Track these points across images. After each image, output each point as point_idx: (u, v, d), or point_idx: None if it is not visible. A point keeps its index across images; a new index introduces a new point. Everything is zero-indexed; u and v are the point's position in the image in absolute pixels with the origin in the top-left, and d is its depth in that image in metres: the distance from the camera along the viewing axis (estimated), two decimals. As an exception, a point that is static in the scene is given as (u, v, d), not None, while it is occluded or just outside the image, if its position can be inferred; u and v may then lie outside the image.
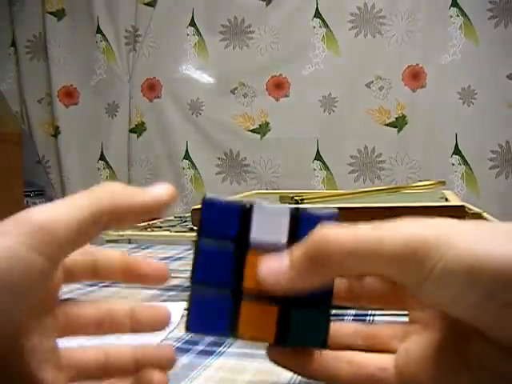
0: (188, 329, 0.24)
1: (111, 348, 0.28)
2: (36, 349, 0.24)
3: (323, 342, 0.25)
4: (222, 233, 0.24)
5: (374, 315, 0.38)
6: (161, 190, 0.26)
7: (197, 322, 0.24)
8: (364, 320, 0.38)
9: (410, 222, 0.22)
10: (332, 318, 0.25)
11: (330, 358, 0.26)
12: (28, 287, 0.22)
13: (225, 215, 0.24)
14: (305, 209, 0.24)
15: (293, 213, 0.24)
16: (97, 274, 0.29)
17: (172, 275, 0.59)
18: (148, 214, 0.25)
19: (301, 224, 0.24)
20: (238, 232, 0.24)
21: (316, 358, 0.26)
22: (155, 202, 0.25)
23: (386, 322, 0.28)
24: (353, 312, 0.42)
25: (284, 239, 0.24)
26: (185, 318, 0.25)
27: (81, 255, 0.28)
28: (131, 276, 0.29)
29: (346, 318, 0.41)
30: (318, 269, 0.22)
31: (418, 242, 0.21)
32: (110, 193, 0.25)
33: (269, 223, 0.24)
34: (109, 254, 0.29)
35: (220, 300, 0.24)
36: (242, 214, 0.24)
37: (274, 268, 0.23)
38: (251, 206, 0.24)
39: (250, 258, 0.24)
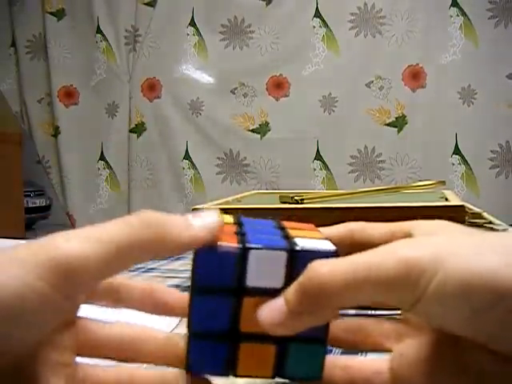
0: (188, 369, 0.25)
1: (136, 370, 0.26)
2: (47, 361, 0.24)
3: (319, 373, 0.25)
4: (218, 283, 0.24)
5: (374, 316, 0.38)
6: (202, 223, 0.23)
7: (197, 364, 0.25)
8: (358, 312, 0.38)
9: (404, 244, 0.22)
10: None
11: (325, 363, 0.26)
12: (43, 322, 0.21)
13: (219, 265, 0.23)
14: (302, 248, 0.24)
15: (289, 254, 0.24)
16: (119, 299, 0.27)
17: (172, 275, 0.59)
18: (182, 251, 0.23)
19: (298, 264, 0.24)
20: (233, 280, 0.24)
21: None
22: (192, 240, 0.23)
23: (374, 318, 0.28)
24: (353, 312, 0.41)
25: (280, 283, 0.24)
26: (185, 319, 0.25)
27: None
28: (153, 305, 0.27)
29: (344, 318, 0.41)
30: (314, 305, 0.22)
31: (412, 265, 0.21)
32: (145, 226, 0.22)
33: (265, 268, 0.24)
34: (133, 282, 0.28)
35: (218, 348, 0.25)
36: (237, 262, 0.24)
37: (272, 315, 0.23)
38: (246, 252, 0.24)
39: (247, 302, 0.24)
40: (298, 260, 0.23)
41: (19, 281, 0.20)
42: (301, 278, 0.22)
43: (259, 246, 0.23)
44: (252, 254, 0.23)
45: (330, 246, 0.24)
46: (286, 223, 0.27)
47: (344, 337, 0.28)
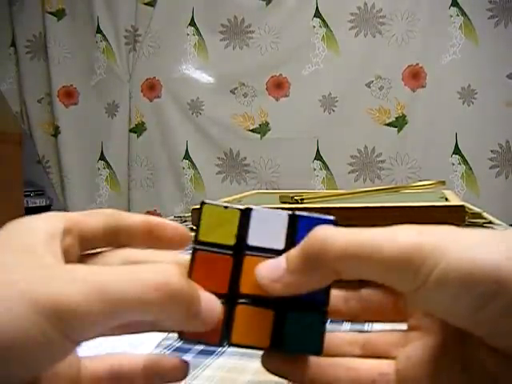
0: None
1: (123, 357, 0.26)
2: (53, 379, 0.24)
3: (318, 347, 0.24)
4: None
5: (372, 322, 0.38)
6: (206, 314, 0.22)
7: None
8: (363, 327, 0.38)
9: (408, 230, 0.22)
10: (329, 326, 0.25)
11: (328, 365, 0.26)
12: (46, 358, 0.20)
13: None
14: (303, 214, 0.24)
15: (291, 217, 0.24)
16: (118, 239, 0.26)
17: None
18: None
19: (298, 229, 0.24)
20: (235, 238, 0.24)
21: (313, 365, 0.25)
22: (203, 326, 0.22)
23: (383, 330, 0.28)
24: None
25: (282, 245, 0.24)
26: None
27: (102, 221, 0.25)
28: (154, 240, 0.26)
29: (343, 324, 0.41)
30: (315, 269, 0.22)
31: (415, 250, 0.21)
32: (170, 301, 0.20)
33: (266, 228, 0.24)
34: (131, 217, 0.26)
35: None
36: (240, 219, 0.24)
37: (271, 271, 0.23)
38: (249, 211, 0.24)
39: (247, 262, 0.24)
40: (298, 224, 0.24)
41: (22, 320, 0.18)
42: (304, 239, 0.23)
43: (261, 207, 0.25)
44: (254, 213, 0.24)
45: (330, 217, 0.25)
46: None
47: (349, 350, 0.27)
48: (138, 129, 2.32)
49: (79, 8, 2.35)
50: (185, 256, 0.26)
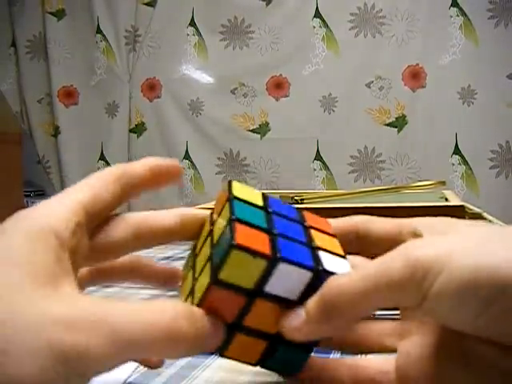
0: None
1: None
2: None
3: (298, 370, 0.26)
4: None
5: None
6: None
7: None
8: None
9: (410, 246, 0.22)
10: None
11: (330, 362, 0.26)
12: None
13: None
14: (326, 269, 0.24)
15: (314, 274, 0.24)
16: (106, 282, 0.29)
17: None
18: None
19: (317, 281, 0.24)
20: (254, 284, 0.24)
21: (315, 363, 0.26)
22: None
23: (376, 317, 0.28)
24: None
25: (295, 297, 0.25)
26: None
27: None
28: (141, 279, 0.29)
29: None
30: (331, 314, 0.23)
31: (416, 265, 0.21)
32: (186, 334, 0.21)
33: (287, 281, 0.24)
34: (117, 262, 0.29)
35: None
36: (265, 268, 0.24)
37: (292, 320, 0.24)
38: (276, 263, 0.24)
39: (258, 304, 0.25)
40: (318, 279, 0.24)
41: (47, 373, 0.18)
42: (321, 290, 0.24)
43: (290, 259, 0.24)
44: (281, 266, 0.24)
45: (347, 267, 0.25)
46: (306, 216, 0.29)
47: (343, 336, 0.28)
48: (137, 129, 2.32)
49: (79, 8, 2.35)
50: (191, 211, 0.28)
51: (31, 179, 2.43)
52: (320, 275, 0.24)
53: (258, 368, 0.27)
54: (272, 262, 0.24)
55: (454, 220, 0.26)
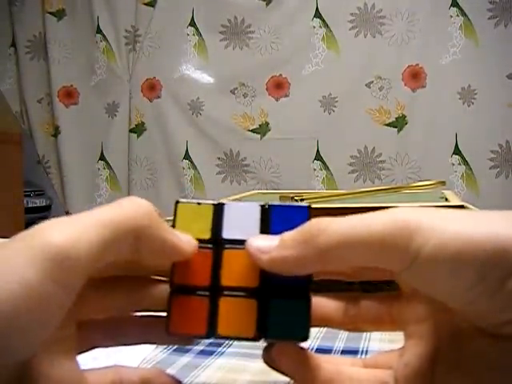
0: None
1: (123, 371, 0.27)
2: (45, 343, 0.24)
3: (304, 333, 0.24)
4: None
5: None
6: (187, 240, 0.24)
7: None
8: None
9: (396, 209, 0.22)
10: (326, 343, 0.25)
11: (331, 373, 0.26)
12: (44, 316, 0.20)
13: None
14: (275, 203, 0.25)
15: (263, 209, 0.25)
16: None
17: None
18: (176, 257, 0.24)
19: (272, 219, 0.25)
20: (210, 232, 0.25)
21: (316, 375, 0.25)
22: (189, 246, 0.24)
23: (383, 351, 0.28)
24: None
25: (256, 235, 0.25)
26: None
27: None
28: None
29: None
30: (306, 249, 0.22)
31: (401, 226, 0.21)
32: (142, 214, 0.23)
33: (240, 221, 0.25)
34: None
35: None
36: (213, 214, 0.25)
37: (262, 243, 0.24)
38: (221, 205, 0.25)
39: (227, 256, 0.25)
40: (271, 214, 0.25)
41: (20, 279, 0.19)
42: (301, 228, 0.23)
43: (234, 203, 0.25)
44: (227, 207, 0.25)
45: (302, 204, 0.26)
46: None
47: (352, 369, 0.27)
48: (138, 129, 2.32)
49: (79, 8, 2.35)
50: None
51: (31, 179, 2.43)
52: (270, 208, 0.25)
53: (257, 368, 0.27)
54: (217, 205, 0.25)
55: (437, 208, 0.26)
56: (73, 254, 0.20)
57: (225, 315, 0.24)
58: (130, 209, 0.23)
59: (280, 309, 0.24)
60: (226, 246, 0.25)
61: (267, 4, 2.18)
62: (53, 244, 0.20)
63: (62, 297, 0.21)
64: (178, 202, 0.26)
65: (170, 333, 0.24)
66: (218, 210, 0.25)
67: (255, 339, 0.24)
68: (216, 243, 0.25)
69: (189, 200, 0.26)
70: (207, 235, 0.25)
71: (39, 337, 0.21)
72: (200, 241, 0.25)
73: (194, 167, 2.25)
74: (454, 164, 2.03)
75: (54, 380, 0.22)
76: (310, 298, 0.24)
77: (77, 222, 0.22)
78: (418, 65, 2.06)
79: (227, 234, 0.25)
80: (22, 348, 0.20)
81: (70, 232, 0.21)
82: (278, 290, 0.24)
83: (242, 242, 0.24)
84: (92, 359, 0.28)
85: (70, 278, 0.21)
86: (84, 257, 0.21)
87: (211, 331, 0.24)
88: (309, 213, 0.25)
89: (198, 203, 0.25)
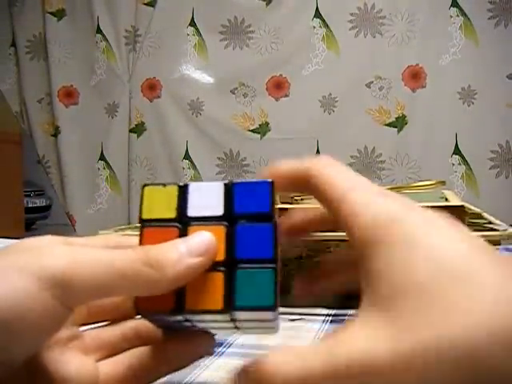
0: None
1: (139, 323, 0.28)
2: (53, 343, 0.24)
3: (272, 302, 0.24)
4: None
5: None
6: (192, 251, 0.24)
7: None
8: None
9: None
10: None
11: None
12: (46, 329, 0.21)
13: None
14: (238, 181, 0.26)
15: (226, 186, 0.26)
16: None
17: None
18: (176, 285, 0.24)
19: (235, 195, 0.26)
20: (175, 211, 0.26)
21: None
22: (185, 274, 0.23)
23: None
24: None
25: (220, 211, 0.25)
26: None
27: None
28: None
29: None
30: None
31: None
32: (145, 264, 0.23)
33: (205, 199, 0.26)
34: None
35: None
36: (178, 195, 0.26)
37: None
38: (186, 185, 0.26)
39: (191, 232, 0.25)
40: (235, 191, 0.26)
41: (22, 291, 0.20)
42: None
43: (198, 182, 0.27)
44: (191, 187, 0.26)
45: (265, 179, 0.26)
46: None
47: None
48: (138, 129, 2.31)
49: (79, 8, 2.35)
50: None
51: (31, 179, 2.43)
52: (233, 186, 0.26)
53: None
54: (182, 186, 0.26)
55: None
56: (75, 284, 0.21)
57: (191, 289, 0.24)
58: (133, 257, 0.23)
59: (246, 279, 0.24)
60: (192, 223, 0.25)
61: (267, 4, 2.18)
62: (60, 270, 0.21)
63: (63, 312, 0.21)
64: (144, 186, 0.26)
65: (139, 310, 0.25)
66: (183, 190, 0.26)
67: (223, 311, 0.24)
68: (181, 222, 0.25)
69: (154, 183, 0.27)
70: (173, 214, 0.26)
71: (36, 341, 0.21)
72: (166, 220, 0.26)
73: (194, 167, 2.25)
74: (454, 164, 2.03)
75: (63, 378, 0.23)
76: (276, 267, 0.24)
77: (84, 256, 0.22)
78: (417, 65, 2.06)
79: (192, 211, 0.26)
80: (20, 350, 0.21)
81: (76, 264, 0.21)
82: (244, 262, 0.24)
83: (206, 219, 0.25)
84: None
85: (71, 302, 0.22)
86: (85, 289, 0.22)
87: (179, 306, 0.24)
88: (271, 187, 0.25)
89: (163, 185, 0.26)
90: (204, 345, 0.28)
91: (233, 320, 0.25)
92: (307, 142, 2.14)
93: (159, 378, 0.28)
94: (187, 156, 2.26)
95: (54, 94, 2.37)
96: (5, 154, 2.15)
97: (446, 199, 0.65)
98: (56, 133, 2.38)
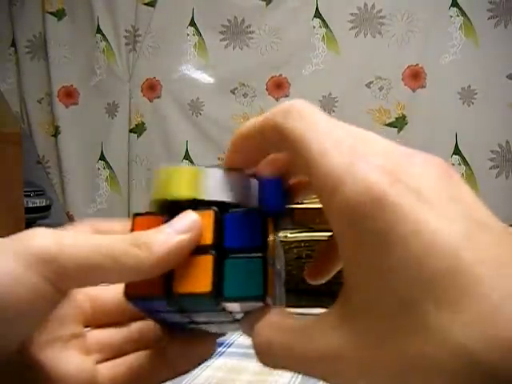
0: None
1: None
2: (54, 339, 0.24)
3: (260, 292, 0.24)
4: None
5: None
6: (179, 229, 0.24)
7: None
8: None
9: None
10: None
11: None
12: (37, 313, 0.21)
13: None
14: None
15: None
16: None
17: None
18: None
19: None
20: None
21: None
22: (172, 254, 0.23)
23: None
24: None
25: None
26: None
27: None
28: None
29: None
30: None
31: None
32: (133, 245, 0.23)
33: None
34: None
35: None
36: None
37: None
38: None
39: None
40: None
41: (7, 273, 0.20)
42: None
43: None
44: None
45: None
46: None
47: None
48: (138, 129, 2.31)
49: (79, 8, 2.35)
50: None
51: (31, 179, 2.43)
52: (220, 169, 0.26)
53: (258, 368, 0.27)
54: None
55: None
56: (66, 264, 0.21)
57: (180, 274, 0.24)
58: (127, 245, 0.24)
59: (235, 269, 0.24)
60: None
61: (267, 4, 2.18)
62: (50, 252, 0.21)
63: (54, 296, 0.21)
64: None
65: (128, 296, 0.24)
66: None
67: (212, 295, 0.24)
68: (171, 212, 0.25)
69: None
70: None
71: (34, 323, 0.22)
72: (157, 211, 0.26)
73: (194, 167, 2.25)
74: (454, 164, 2.03)
75: (61, 376, 0.23)
76: (265, 256, 0.24)
77: (74, 238, 0.22)
78: (417, 65, 2.06)
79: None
80: (11, 336, 0.21)
81: (65, 245, 0.21)
82: (232, 251, 0.24)
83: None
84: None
85: (64, 284, 0.21)
86: (76, 270, 0.21)
87: (167, 291, 0.24)
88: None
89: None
90: (207, 348, 0.27)
91: (226, 310, 0.25)
92: (307, 142, 2.13)
93: (161, 382, 0.27)
94: (187, 156, 2.26)
95: (53, 94, 2.36)
96: (5, 154, 2.15)
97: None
98: (56, 133, 2.38)
